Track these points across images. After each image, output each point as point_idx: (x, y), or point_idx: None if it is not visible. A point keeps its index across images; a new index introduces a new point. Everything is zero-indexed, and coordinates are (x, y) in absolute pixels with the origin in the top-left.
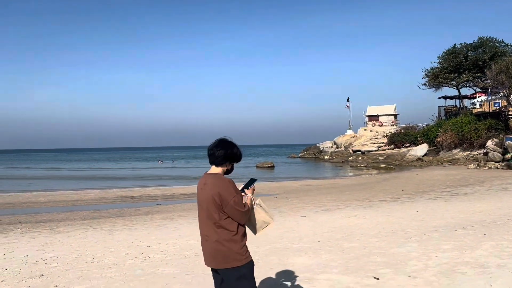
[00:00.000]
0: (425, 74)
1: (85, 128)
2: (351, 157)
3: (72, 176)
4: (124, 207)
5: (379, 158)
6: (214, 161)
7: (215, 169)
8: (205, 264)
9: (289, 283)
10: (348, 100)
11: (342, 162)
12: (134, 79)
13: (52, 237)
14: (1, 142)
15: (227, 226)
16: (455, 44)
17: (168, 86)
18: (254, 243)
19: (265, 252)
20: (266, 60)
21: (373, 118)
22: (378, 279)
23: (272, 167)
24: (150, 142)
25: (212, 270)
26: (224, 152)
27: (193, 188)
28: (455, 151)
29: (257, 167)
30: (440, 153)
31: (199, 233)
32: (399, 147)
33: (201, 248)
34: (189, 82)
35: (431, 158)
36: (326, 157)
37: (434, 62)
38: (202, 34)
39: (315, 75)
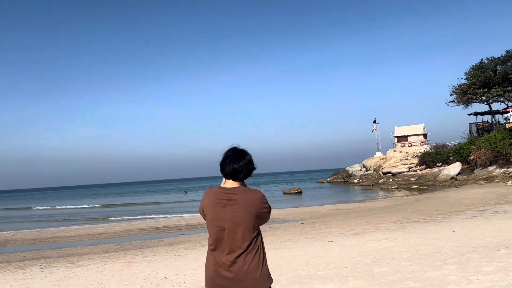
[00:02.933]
0: (453, 91)
1: (119, 161)
2: (381, 180)
3: (94, 211)
4: (147, 239)
5: (411, 179)
6: (236, 177)
7: (234, 183)
8: None
9: None
10: (374, 122)
11: (372, 185)
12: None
13: (70, 271)
14: (36, 181)
15: (257, 245)
16: (482, 59)
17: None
18: (276, 271)
19: (287, 280)
20: (283, 82)
21: (402, 138)
22: None
23: (300, 193)
24: (175, 174)
25: None
26: (251, 166)
27: None
28: (490, 168)
29: (284, 193)
30: (475, 171)
31: None
32: (430, 167)
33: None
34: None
35: (465, 176)
36: (355, 181)
37: (462, 78)
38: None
39: (338, 97)
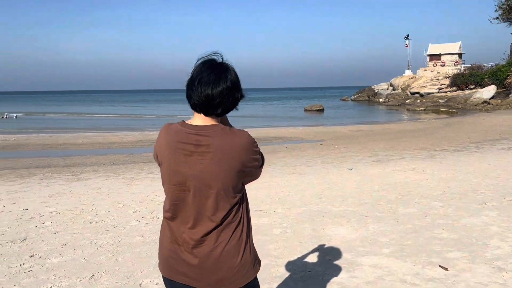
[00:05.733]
0: (498, 7)
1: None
2: (409, 100)
3: (117, 116)
4: None
5: (440, 101)
6: (210, 110)
7: (207, 120)
8: None
9: (319, 269)
10: (407, 37)
11: (398, 105)
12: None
13: (67, 185)
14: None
15: (238, 217)
16: None
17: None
18: (286, 203)
19: (297, 216)
20: None
21: (435, 57)
22: (447, 269)
23: (322, 110)
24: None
25: None
26: (236, 94)
27: (283, 131)
28: None
29: (305, 110)
30: (510, 95)
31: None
32: (462, 89)
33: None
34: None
35: (499, 101)
36: (381, 100)
37: None
38: None
39: (368, 8)
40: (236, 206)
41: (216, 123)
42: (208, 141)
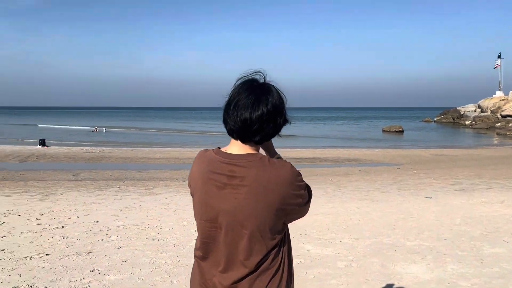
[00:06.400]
0: None
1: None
2: (499, 123)
3: (196, 132)
4: None
5: None
6: (247, 137)
7: (245, 147)
8: None
9: None
10: (499, 57)
11: (487, 128)
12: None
13: (138, 199)
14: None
15: (277, 262)
16: None
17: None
18: (354, 232)
19: (365, 249)
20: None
21: None
22: None
23: (401, 131)
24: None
25: None
26: (279, 119)
27: (303, 152)
28: None
29: (383, 131)
30: None
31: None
32: None
33: None
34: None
35: None
36: (467, 123)
37: None
38: None
39: (454, 26)
40: (275, 250)
41: (254, 152)
42: (243, 173)
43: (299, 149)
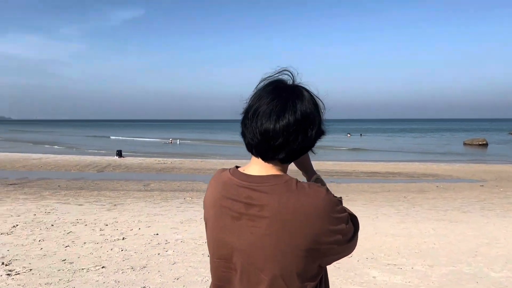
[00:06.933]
0: None
1: None
2: None
3: None
4: None
5: None
6: (269, 154)
7: (267, 167)
8: None
9: None
10: None
11: None
12: None
13: (201, 211)
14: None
15: None
16: None
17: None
18: (428, 258)
19: (441, 278)
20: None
21: None
22: None
23: (485, 145)
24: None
25: None
26: (311, 130)
27: (375, 166)
28: None
29: (464, 144)
30: None
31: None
32: None
33: None
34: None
35: None
36: None
37: None
38: None
39: None
40: None
41: (279, 173)
42: (263, 200)
43: (370, 163)
